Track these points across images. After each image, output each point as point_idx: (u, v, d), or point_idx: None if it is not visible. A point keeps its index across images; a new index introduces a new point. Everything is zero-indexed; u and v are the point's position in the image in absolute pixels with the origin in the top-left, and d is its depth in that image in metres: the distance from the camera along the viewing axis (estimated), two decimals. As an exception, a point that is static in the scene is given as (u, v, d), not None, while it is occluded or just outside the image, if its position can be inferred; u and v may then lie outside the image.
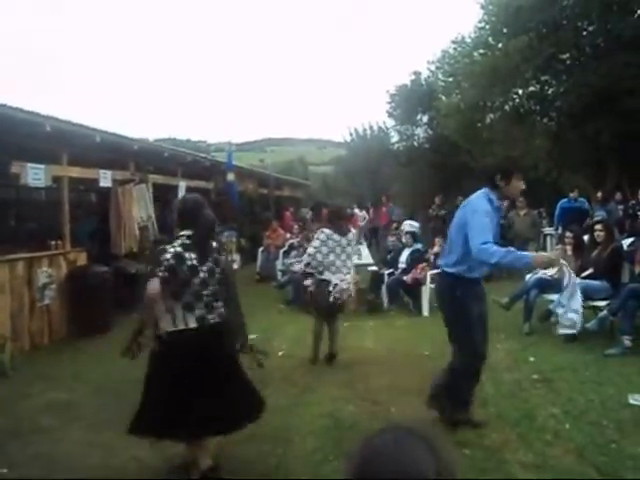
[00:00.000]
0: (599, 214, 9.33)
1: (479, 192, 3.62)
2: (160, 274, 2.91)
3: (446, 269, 3.67)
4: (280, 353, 5.74)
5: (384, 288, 8.16)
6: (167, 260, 2.94)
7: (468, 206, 3.58)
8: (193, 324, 3.02)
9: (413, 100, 21.37)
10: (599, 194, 11.00)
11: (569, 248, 6.55)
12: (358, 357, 5.56)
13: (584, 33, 13.61)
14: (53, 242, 6.80)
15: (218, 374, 3.05)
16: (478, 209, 3.46)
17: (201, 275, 3.03)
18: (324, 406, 4.19)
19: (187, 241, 3.04)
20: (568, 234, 6.76)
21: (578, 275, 6.08)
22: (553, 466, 3.13)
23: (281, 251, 10.95)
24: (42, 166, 6.38)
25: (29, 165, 6.20)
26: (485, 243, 3.27)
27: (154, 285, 2.89)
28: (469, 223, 3.43)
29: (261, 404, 3.24)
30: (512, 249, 3.43)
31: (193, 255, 3.01)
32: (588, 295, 5.87)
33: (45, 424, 3.99)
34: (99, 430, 3.87)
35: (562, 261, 3.88)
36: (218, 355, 3.09)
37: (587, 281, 5.92)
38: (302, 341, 6.32)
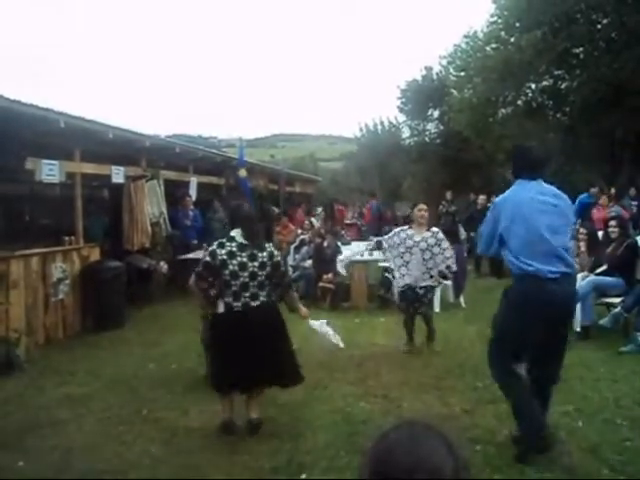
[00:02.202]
0: (613, 210, 9.21)
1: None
2: (196, 269, 3.70)
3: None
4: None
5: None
6: (205, 256, 3.67)
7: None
8: (222, 309, 3.63)
9: (424, 95, 21.24)
10: (612, 190, 10.85)
11: (583, 244, 6.50)
12: (369, 353, 5.56)
13: (598, 27, 13.41)
14: (67, 238, 6.86)
15: (248, 347, 3.55)
16: None
17: (230, 268, 3.55)
18: (335, 402, 4.20)
19: (223, 240, 3.67)
20: (582, 230, 6.71)
21: (592, 271, 6.03)
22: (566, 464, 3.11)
23: (292, 247, 10.97)
24: (56, 162, 6.44)
25: (43, 161, 6.26)
26: None
27: (192, 278, 3.76)
28: None
29: (295, 378, 3.78)
30: None
31: (224, 251, 3.57)
32: (602, 292, 5.83)
33: (60, 417, 4.03)
34: (113, 424, 3.92)
35: None
36: (247, 331, 3.57)
37: (601, 277, 5.87)
38: (312, 337, 6.33)
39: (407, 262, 5.46)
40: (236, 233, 3.68)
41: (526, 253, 3.07)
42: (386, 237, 5.84)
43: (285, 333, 3.80)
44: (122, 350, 5.91)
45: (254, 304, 3.60)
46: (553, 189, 3.27)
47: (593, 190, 10.65)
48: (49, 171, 6.36)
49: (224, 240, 3.67)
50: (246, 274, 3.57)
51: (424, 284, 5.44)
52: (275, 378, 3.72)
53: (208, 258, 3.61)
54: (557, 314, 3.14)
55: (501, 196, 3.32)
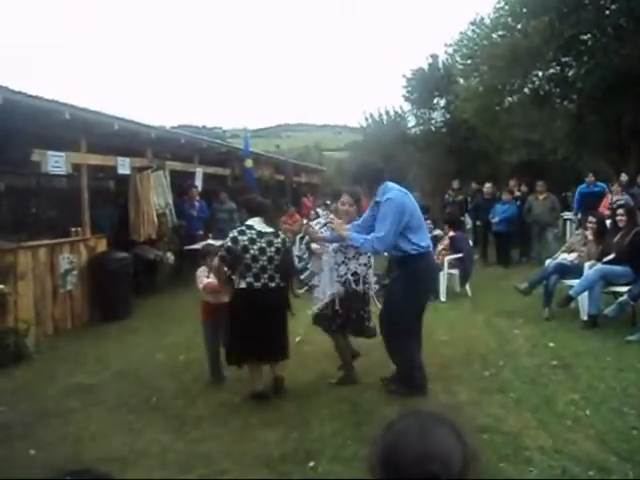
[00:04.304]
0: (622, 198, 9.14)
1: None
2: (220, 253, 4.10)
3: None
4: (297, 339, 5.76)
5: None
6: (226, 242, 4.05)
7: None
8: (244, 287, 4.03)
9: (430, 84, 21.06)
10: (623, 177, 10.71)
11: (590, 233, 6.46)
12: (375, 343, 5.54)
13: (606, 13, 13.21)
14: (74, 229, 6.89)
15: (262, 323, 3.99)
16: None
17: (251, 252, 3.97)
18: (342, 391, 4.21)
19: (243, 227, 4.10)
20: (591, 219, 6.65)
21: (600, 260, 6.00)
22: (573, 452, 3.11)
23: (298, 237, 10.96)
24: (62, 154, 6.45)
25: (49, 153, 6.28)
26: None
27: (215, 260, 4.20)
28: None
29: (286, 353, 4.24)
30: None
31: (245, 237, 3.99)
32: (609, 280, 5.80)
33: (70, 406, 4.08)
34: (122, 413, 3.96)
35: None
36: (264, 309, 4.01)
37: (609, 266, 5.84)
38: (318, 327, 6.34)
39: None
40: (254, 222, 4.10)
41: (423, 236, 4.05)
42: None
43: (287, 314, 4.28)
44: (130, 340, 5.95)
45: (272, 285, 4.04)
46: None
47: (588, 179, 10.58)
48: (55, 163, 6.38)
49: (243, 228, 4.10)
50: (265, 258, 4.00)
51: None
52: (279, 353, 4.19)
53: (230, 243, 4.01)
54: None
55: (392, 196, 3.94)
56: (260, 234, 4.05)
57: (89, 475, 1.10)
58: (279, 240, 4.11)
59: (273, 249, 4.05)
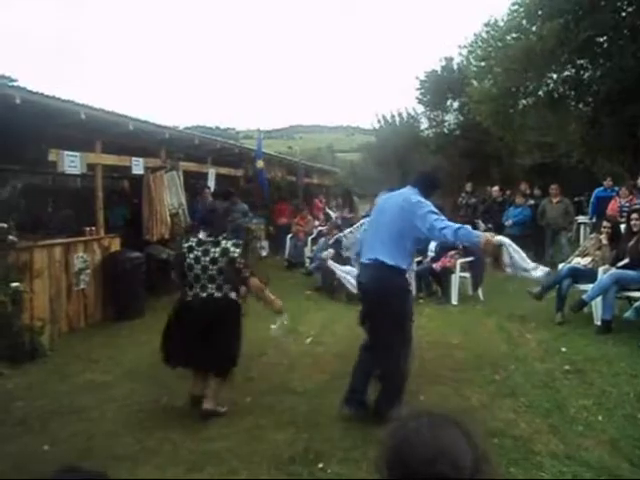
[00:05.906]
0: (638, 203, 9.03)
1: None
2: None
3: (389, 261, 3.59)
4: (308, 340, 5.78)
5: (413, 276, 8.12)
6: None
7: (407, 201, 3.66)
8: (179, 296, 4.05)
9: (443, 86, 20.98)
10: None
11: (604, 237, 6.41)
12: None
13: (622, 15, 13.06)
14: (88, 228, 6.97)
15: (199, 334, 3.84)
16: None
17: (187, 261, 3.93)
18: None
19: (190, 236, 4.15)
20: (605, 223, 6.60)
21: (613, 264, 5.95)
22: (585, 458, 3.09)
23: (310, 238, 10.99)
24: (77, 154, 6.53)
25: (65, 153, 6.36)
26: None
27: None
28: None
29: (230, 368, 3.98)
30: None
31: (186, 245, 4.00)
32: (623, 285, 5.75)
33: (83, 404, 4.13)
34: (133, 411, 4.00)
35: None
36: (195, 319, 3.88)
37: (623, 271, 5.78)
38: (330, 328, 6.36)
39: None
40: (202, 229, 4.11)
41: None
42: (346, 232, 5.06)
43: (230, 325, 3.94)
44: (142, 339, 5.99)
45: (203, 295, 3.89)
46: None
47: (607, 183, 10.46)
48: (71, 162, 6.45)
49: (190, 236, 4.14)
50: (199, 267, 3.89)
51: None
52: (209, 364, 3.93)
53: (177, 251, 4.17)
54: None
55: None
56: (199, 242, 3.96)
57: (76, 474, 1.11)
58: (218, 249, 3.88)
59: (208, 258, 3.87)
